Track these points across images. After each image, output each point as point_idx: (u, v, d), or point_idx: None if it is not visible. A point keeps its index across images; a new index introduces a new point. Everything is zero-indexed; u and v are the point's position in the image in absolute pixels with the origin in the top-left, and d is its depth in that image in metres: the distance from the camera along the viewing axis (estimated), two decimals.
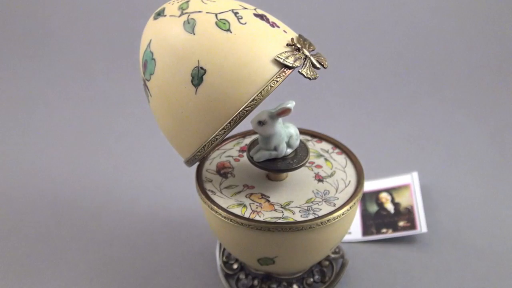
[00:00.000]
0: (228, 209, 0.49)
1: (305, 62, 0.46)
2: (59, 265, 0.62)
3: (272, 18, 0.49)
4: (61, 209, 0.70)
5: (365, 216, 0.67)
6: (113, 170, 0.77)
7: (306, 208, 0.50)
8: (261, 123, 0.49)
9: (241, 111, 0.45)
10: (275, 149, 0.51)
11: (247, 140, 0.59)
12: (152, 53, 0.48)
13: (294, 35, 0.48)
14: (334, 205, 0.50)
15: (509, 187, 0.73)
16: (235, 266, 0.59)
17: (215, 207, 0.49)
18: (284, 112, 0.49)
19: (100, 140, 0.84)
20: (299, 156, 0.52)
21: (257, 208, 0.50)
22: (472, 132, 0.85)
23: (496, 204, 0.70)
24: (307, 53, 0.46)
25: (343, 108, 0.92)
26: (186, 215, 0.68)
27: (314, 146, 0.58)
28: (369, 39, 1.07)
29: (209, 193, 0.51)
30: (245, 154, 0.57)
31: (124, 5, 1.14)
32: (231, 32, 0.46)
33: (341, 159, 0.56)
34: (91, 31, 1.12)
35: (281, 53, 0.45)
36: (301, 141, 0.54)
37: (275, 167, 0.51)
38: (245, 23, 0.46)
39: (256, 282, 0.57)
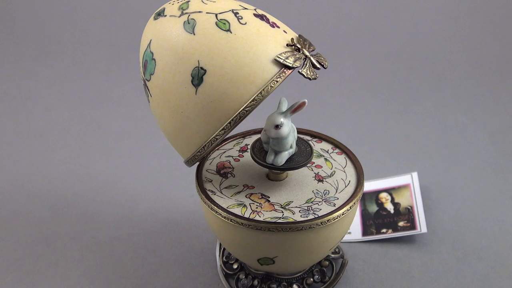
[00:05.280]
0: (228, 209, 0.49)
1: (305, 62, 0.46)
2: (59, 265, 0.62)
3: (272, 18, 0.49)
4: (61, 209, 0.70)
5: (365, 216, 0.67)
6: (113, 170, 0.77)
7: (306, 208, 0.50)
8: (278, 126, 0.48)
9: (241, 111, 0.45)
10: (291, 147, 0.50)
11: (247, 140, 0.59)
12: (152, 53, 0.48)
13: (294, 35, 0.48)
14: (334, 205, 0.50)
15: (509, 187, 0.73)
16: (235, 266, 0.59)
17: (215, 207, 0.49)
18: (300, 107, 0.48)
19: (100, 140, 0.84)
20: (304, 152, 0.52)
21: (257, 208, 0.50)
22: (472, 132, 0.85)
23: (496, 204, 0.70)
24: (307, 53, 0.46)
25: (343, 108, 0.92)
26: (186, 215, 0.68)
27: (314, 146, 0.58)
28: (369, 39, 1.07)
29: (209, 193, 0.51)
30: (245, 154, 0.57)
31: (124, 5, 1.14)
32: (231, 32, 0.46)
33: (341, 159, 0.56)
34: (91, 31, 1.12)
35: (281, 53, 0.45)
36: (301, 138, 0.54)
37: (293, 165, 0.50)
38: (245, 23, 0.46)
39: (256, 282, 0.57)
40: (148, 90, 0.50)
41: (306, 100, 0.48)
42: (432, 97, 0.94)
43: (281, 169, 0.50)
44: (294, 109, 0.48)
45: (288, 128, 0.49)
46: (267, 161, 0.50)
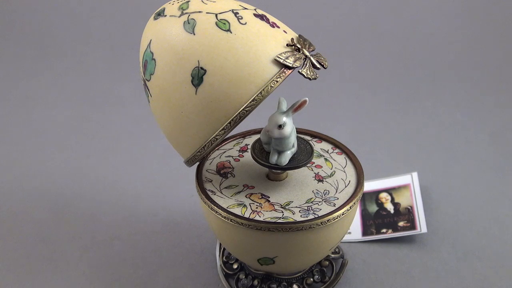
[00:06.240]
0: (228, 209, 0.49)
1: (305, 62, 0.46)
2: (59, 265, 0.62)
3: (272, 18, 0.49)
4: (61, 209, 0.70)
5: (365, 216, 0.67)
6: (113, 170, 0.77)
7: (306, 208, 0.50)
8: (281, 126, 0.48)
9: (241, 111, 0.45)
10: (293, 146, 0.50)
11: (247, 140, 0.59)
12: (152, 53, 0.48)
13: (294, 35, 0.48)
14: (334, 205, 0.50)
15: (509, 187, 0.73)
16: (235, 266, 0.59)
17: (215, 207, 0.49)
18: (301, 105, 0.48)
19: (100, 140, 0.84)
20: (304, 151, 0.52)
21: (257, 208, 0.50)
22: (472, 132, 0.85)
23: (496, 204, 0.70)
24: (307, 53, 0.46)
25: (343, 108, 0.92)
26: (186, 215, 0.68)
27: (314, 146, 0.58)
28: (369, 39, 1.07)
29: (209, 193, 0.51)
30: (245, 154, 0.57)
31: (124, 5, 1.14)
32: (231, 32, 0.46)
33: (341, 159, 0.56)
34: (91, 31, 1.12)
35: (281, 53, 0.45)
36: (299, 137, 0.54)
37: (296, 163, 0.50)
38: (245, 23, 0.46)
39: (256, 282, 0.57)
40: (148, 90, 0.50)
41: (307, 99, 0.48)
42: (432, 97, 0.94)
43: (285, 169, 0.50)
44: (296, 108, 0.48)
45: (291, 128, 0.49)
46: (270, 161, 0.50)
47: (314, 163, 0.55)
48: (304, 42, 0.47)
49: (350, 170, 0.55)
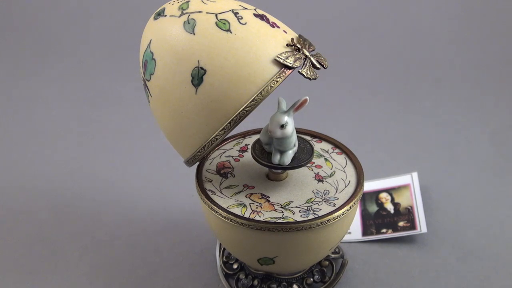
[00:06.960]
0: (228, 209, 0.49)
1: (305, 62, 0.46)
2: (59, 265, 0.62)
3: (272, 18, 0.49)
4: (61, 209, 0.70)
5: (365, 216, 0.67)
6: (113, 170, 0.77)
7: (306, 208, 0.50)
8: (283, 126, 0.48)
9: (241, 111, 0.45)
10: (294, 145, 0.50)
11: (247, 140, 0.59)
12: (152, 53, 0.48)
13: (294, 35, 0.48)
14: (334, 205, 0.50)
15: (509, 187, 0.73)
16: (235, 266, 0.59)
17: (215, 207, 0.49)
18: (302, 104, 0.48)
19: (100, 140, 0.84)
20: (305, 150, 0.52)
21: (257, 208, 0.50)
22: (472, 132, 0.85)
23: (496, 204, 0.70)
24: (307, 53, 0.46)
25: (343, 108, 0.92)
26: (186, 215, 0.68)
27: (314, 146, 0.58)
28: (369, 39, 1.07)
29: (209, 193, 0.51)
30: (245, 154, 0.57)
31: (124, 5, 1.14)
32: (231, 32, 0.46)
33: (341, 159, 0.56)
34: (91, 31, 1.12)
35: (281, 53, 0.45)
36: (302, 138, 0.54)
37: (298, 163, 0.50)
38: (245, 23, 0.46)
39: (256, 282, 0.57)
40: (148, 90, 0.50)
41: (307, 98, 0.48)
42: (432, 97, 0.94)
43: (287, 168, 0.50)
44: (297, 107, 0.48)
45: (292, 127, 0.49)
46: (273, 161, 0.50)
47: (314, 163, 0.55)
48: (304, 42, 0.47)
49: (350, 170, 0.55)
